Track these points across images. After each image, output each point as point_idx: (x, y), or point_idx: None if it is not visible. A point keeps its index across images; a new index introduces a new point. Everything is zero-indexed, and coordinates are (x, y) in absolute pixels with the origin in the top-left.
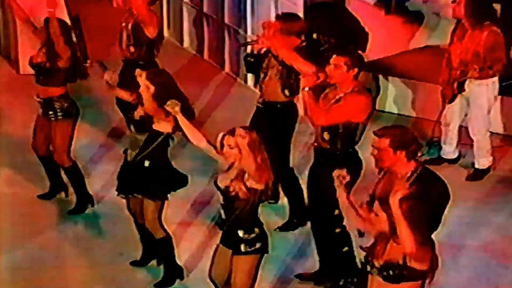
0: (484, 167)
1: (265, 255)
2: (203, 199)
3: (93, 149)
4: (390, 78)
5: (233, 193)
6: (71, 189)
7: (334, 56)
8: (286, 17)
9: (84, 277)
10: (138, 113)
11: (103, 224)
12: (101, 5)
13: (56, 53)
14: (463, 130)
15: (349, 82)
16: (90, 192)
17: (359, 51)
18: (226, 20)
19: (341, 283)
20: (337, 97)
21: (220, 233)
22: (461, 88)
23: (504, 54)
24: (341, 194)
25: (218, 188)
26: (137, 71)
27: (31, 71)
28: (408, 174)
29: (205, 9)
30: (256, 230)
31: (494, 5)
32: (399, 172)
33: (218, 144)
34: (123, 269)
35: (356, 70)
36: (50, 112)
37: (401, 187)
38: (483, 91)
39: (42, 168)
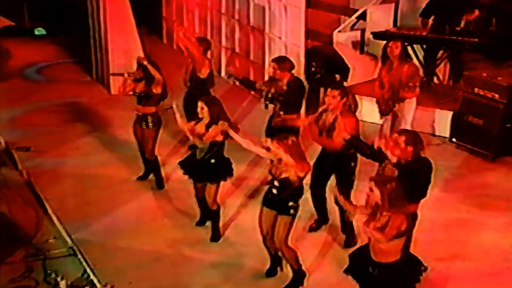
0: None
1: None
2: (240, 182)
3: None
4: (364, 97)
5: (285, 178)
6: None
7: (329, 89)
8: (280, 59)
9: (159, 231)
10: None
11: (172, 195)
12: (164, 47)
13: (154, 84)
14: None
15: (340, 107)
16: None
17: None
18: (251, 58)
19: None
20: (332, 119)
21: (253, 204)
22: (394, 104)
23: (420, 80)
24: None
25: (272, 174)
26: (199, 103)
27: (121, 92)
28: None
29: (237, 50)
30: (291, 203)
31: None
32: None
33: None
34: (186, 227)
35: (345, 98)
36: (143, 123)
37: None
38: (408, 105)
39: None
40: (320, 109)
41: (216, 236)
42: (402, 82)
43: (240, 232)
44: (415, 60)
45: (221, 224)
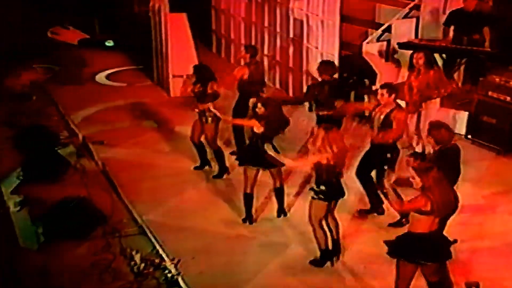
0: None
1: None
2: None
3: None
4: None
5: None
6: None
7: (379, 89)
8: (325, 63)
9: (216, 213)
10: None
11: (226, 182)
12: (212, 56)
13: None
14: None
15: (391, 103)
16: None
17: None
18: (290, 64)
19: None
20: (385, 113)
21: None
22: (421, 105)
23: (447, 84)
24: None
25: None
26: (258, 105)
27: (178, 95)
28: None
29: (277, 58)
30: (322, 187)
31: None
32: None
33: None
34: (240, 210)
35: (394, 95)
36: (203, 118)
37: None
38: (432, 105)
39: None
40: (374, 106)
41: (247, 218)
42: (430, 86)
43: (289, 216)
44: None
45: (253, 210)
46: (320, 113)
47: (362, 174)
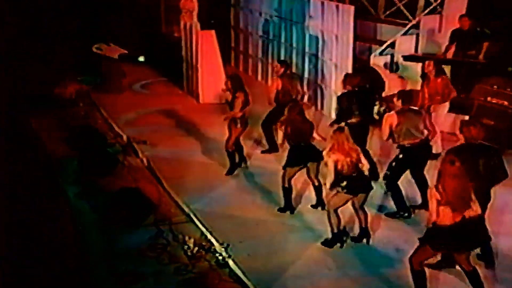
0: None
1: None
2: None
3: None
4: None
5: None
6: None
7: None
8: (350, 75)
9: (255, 203)
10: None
11: (262, 178)
12: (231, 71)
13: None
14: None
15: (399, 105)
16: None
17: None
18: (306, 75)
19: None
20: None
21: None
22: (430, 109)
23: (453, 90)
24: None
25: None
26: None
27: (207, 101)
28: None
29: (293, 70)
30: (343, 182)
31: None
32: None
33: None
34: (278, 200)
35: (401, 100)
36: (233, 123)
37: None
38: (442, 109)
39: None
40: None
41: (287, 208)
42: (438, 92)
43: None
44: None
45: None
46: (348, 120)
47: (392, 179)
